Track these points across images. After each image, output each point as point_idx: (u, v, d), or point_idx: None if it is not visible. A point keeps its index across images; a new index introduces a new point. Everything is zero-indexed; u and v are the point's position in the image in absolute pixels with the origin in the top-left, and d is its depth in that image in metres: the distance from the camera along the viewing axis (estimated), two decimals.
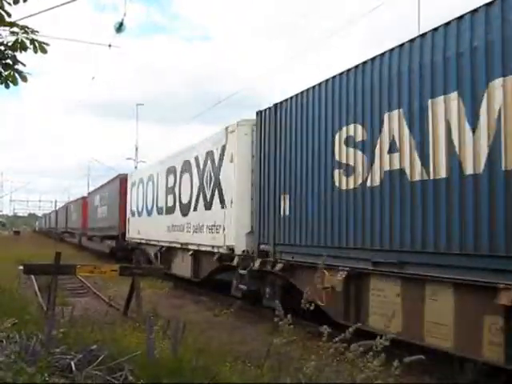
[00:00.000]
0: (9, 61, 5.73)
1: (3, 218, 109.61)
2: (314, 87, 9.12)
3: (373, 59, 7.67)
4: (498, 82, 5.70)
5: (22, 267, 11.13)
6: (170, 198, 16.52)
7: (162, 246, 17.12)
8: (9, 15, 5.55)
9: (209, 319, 11.15)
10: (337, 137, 8.34)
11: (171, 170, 16.50)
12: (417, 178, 6.68)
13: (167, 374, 4.28)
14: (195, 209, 14.20)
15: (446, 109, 6.33)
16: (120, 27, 9.15)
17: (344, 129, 8.19)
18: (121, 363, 4.19)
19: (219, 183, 12.49)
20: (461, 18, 6.21)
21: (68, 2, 7.15)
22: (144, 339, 4.93)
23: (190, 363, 4.51)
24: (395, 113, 7.13)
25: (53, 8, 7.85)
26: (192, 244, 14.33)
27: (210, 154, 13.14)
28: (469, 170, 5.99)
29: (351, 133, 8.00)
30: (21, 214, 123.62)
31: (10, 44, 5.62)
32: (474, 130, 5.95)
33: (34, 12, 7.58)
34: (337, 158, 8.30)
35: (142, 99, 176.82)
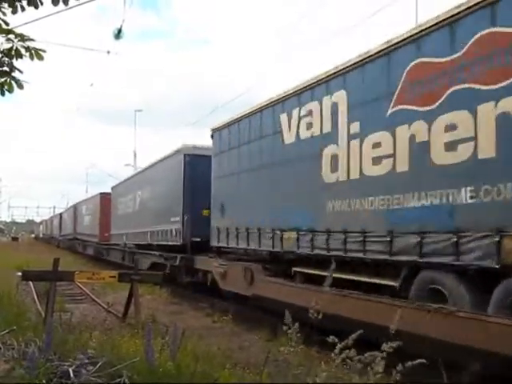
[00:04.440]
0: (5, 68, 5.73)
1: (1, 225, 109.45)
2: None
3: None
4: None
5: (20, 274, 11.11)
6: None
7: None
8: (7, 24, 5.58)
9: (208, 325, 11.14)
10: None
11: None
12: None
13: (166, 380, 4.27)
14: None
15: None
16: (119, 34, 9.20)
17: None
18: (120, 369, 4.18)
19: None
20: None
21: (66, 9, 7.16)
22: (143, 345, 4.92)
23: (189, 369, 4.51)
24: None
25: (51, 15, 7.88)
26: None
27: None
28: None
29: None
30: (19, 221, 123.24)
31: (5, 51, 5.62)
32: None
33: (33, 18, 7.61)
34: None
35: (140, 105, 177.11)
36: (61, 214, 58.23)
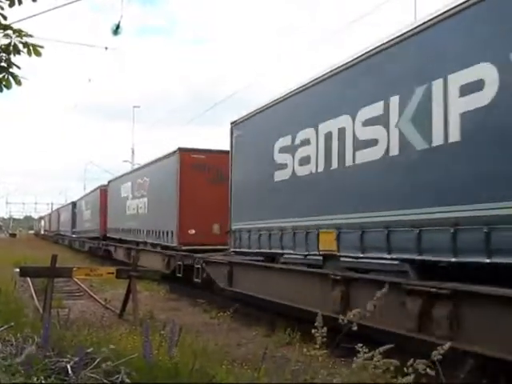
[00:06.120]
0: (3, 64, 5.72)
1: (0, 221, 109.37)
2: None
3: None
4: None
5: (18, 270, 11.11)
6: None
7: None
8: (5, 18, 5.56)
9: (205, 321, 11.15)
10: None
11: None
12: None
13: (164, 376, 4.28)
14: None
15: None
16: (117, 30, 9.16)
17: None
18: (117, 366, 4.19)
19: None
20: None
21: (65, 5, 7.16)
22: (141, 342, 4.93)
23: (187, 366, 4.51)
24: None
25: (49, 10, 7.87)
26: None
27: None
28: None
29: None
30: (16, 217, 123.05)
31: (3, 47, 5.61)
32: None
33: (31, 14, 7.60)
34: None
35: (138, 101, 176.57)
36: (74, 203, 42.85)
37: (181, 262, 14.71)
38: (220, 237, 14.43)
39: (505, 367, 5.55)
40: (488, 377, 5.78)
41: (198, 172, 15.57)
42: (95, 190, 32.41)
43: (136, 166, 23.44)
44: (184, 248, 15.44)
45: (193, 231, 15.59)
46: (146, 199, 19.92)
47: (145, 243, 19.70)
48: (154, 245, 18.50)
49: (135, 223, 21.21)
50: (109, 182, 28.54)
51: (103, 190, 29.15)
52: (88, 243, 32.57)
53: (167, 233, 16.78)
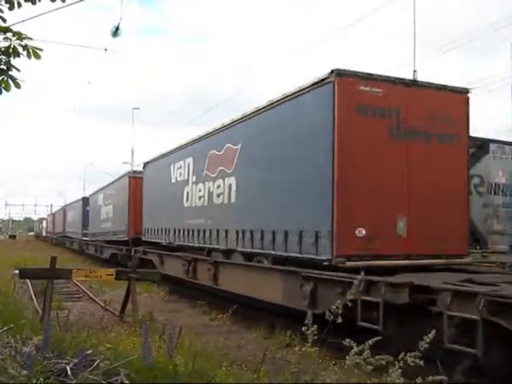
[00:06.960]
0: (3, 66, 5.73)
1: None
2: None
3: None
4: None
5: (17, 271, 11.11)
6: None
7: None
8: (4, 21, 5.57)
9: (205, 323, 11.16)
10: None
11: None
12: None
13: (163, 377, 4.28)
14: None
15: None
16: (116, 31, 9.16)
17: None
18: (117, 367, 4.18)
19: None
20: None
21: (65, 6, 7.15)
22: (140, 343, 4.93)
23: (187, 367, 4.51)
24: None
25: (49, 12, 7.86)
26: None
27: None
28: None
29: None
30: (16, 218, 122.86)
31: (3, 49, 5.62)
32: None
33: (30, 15, 7.60)
34: None
35: (138, 103, 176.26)
36: (86, 199, 35.73)
37: (379, 299, 7.00)
38: (408, 241, 8.55)
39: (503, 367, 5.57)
40: (487, 377, 5.80)
41: (370, 118, 8.50)
42: (121, 177, 24.55)
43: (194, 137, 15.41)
44: (348, 265, 8.16)
45: (362, 232, 8.35)
46: (231, 180, 12.32)
47: (228, 252, 12.49)
48: (250, 255, 11.41)
49: (204, 220, 13.86)
50: (145, 164, 20.84)
51: (133, 178, 21.99)
52: (109, 249, 25.02)
53: (300, 235, 9.24)
